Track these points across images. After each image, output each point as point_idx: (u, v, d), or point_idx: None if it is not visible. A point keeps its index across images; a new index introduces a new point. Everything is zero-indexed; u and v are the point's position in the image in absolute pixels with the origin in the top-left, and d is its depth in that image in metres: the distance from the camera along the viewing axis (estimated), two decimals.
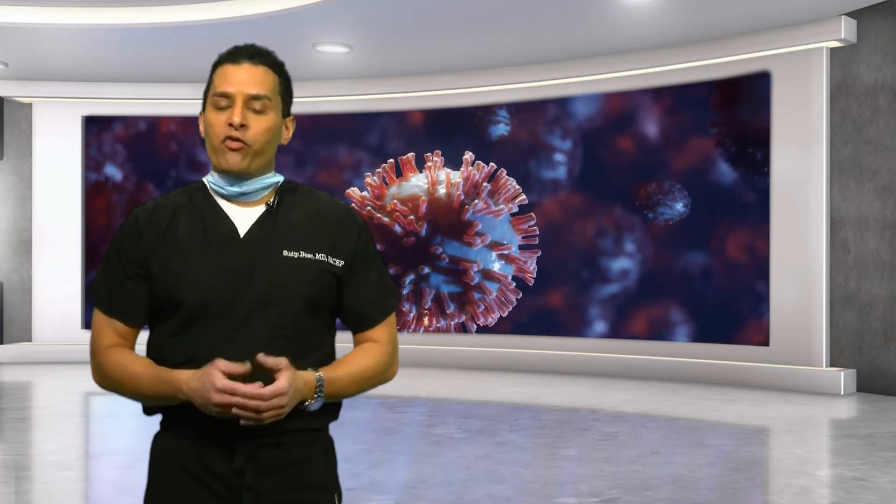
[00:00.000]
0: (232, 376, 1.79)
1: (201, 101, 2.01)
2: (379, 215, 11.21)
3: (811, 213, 9.02)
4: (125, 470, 5.83)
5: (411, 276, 11.09)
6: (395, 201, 11.06)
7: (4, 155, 12.21)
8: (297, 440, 1.94)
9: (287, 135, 2.02)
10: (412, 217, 10.75)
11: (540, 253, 10.82)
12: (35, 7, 9.24)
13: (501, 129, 11.08)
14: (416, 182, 11.13)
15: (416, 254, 11.11)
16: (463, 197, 10.73)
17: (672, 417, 7.67)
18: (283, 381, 1.80)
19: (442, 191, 10.92)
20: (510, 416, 7.89)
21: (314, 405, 1.89)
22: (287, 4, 8.69)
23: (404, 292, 11.15)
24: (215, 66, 1.98)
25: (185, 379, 1.83)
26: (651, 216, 10.14)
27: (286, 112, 2.01)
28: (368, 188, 11.37)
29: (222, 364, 1.79)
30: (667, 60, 9.92)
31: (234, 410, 1.78)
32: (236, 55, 1.96)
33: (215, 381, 1.77)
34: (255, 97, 1.93)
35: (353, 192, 11.50)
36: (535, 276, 10.81)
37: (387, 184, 11.29)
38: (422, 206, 10.96)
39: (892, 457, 6.05)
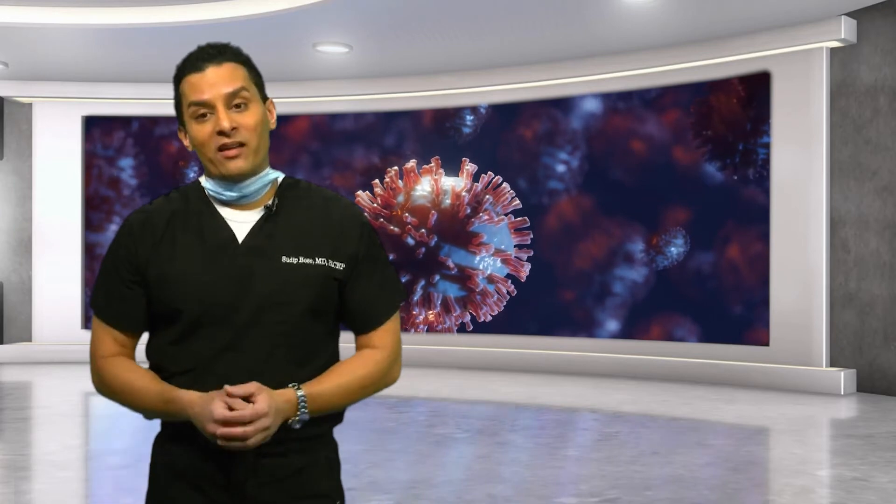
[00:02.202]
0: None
1: (176, 117, 1.95)
2: (392, 227, 11.27)
3: (811, 213, 9.02)
4: (125, 470, 5.83)
5: (422, 283, 11.20)
6: (406, 214, 11.13)
7: (4, 155, 12.21)
8: (299, 448, 1.91)
9: (272, 118, 1.97)
10: (423, 230, 10.87)
11: (532, 253, 10.83)
12: (35, 7, 9.24)
13: (501, 128, 11.08)
14: (422, 191, 11.19)
15: (426, 263, 11.22)
16: (469, 210, 10.85)
17: (672, 417, 7.67)
18: (261, 403, 1.76)
19: (447, 201, 11.02)
20: (510, 416, 7.89)
21: (297, 424, 1.85)
22: (287, 4, 8.69)
23: (415, 298, 11.25)
24: (178, 79, 1.91)
25: (190, 401, 1.80)
26: (653, 258, 10.15)
27: (264, 96, 1.95)
28: (378, 198, 11.40)
29: (228, 389, 1.76)
30: (667, 60, 9.92)
31: (220, 443, 1.75)
32: (197, 62, 1.89)
33: (214, 411, 1.74)
34: (233, 94, 1.87)
35: (362, 197, 11.50)
36: (528, 274, 10.83)
37: (393, 191, 11.34)
38: (431, 218, 11.05)
39: (892, 457, 6.05)
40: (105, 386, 1.93)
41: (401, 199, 11.29)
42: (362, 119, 11.64)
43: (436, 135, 11.38)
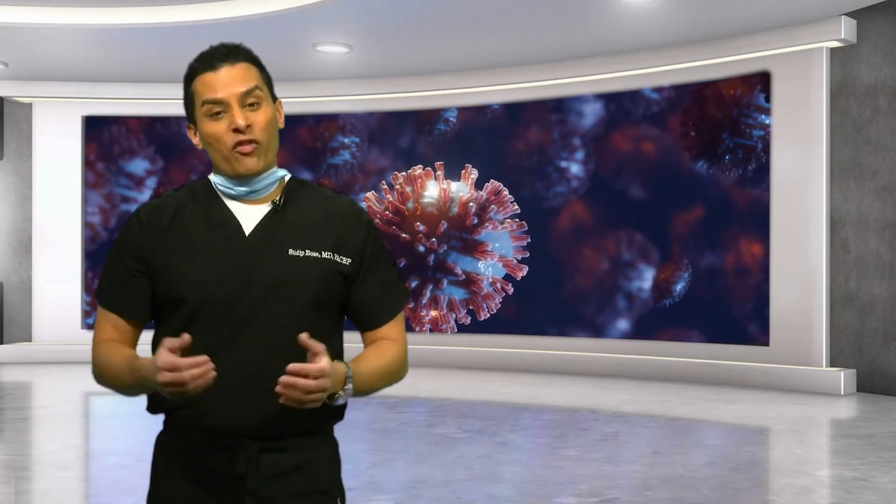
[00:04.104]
0: (180, 352, 1.74)
1: (185, 114, 1.98)
2: (404, 234, 11.30)
3: (811, 213, 9.02)
4: (125, 470, 5.83)
5: (430, 287, 11.25)
6: (418, 223, 11.19)
7: (4, 155, 12.21)
8: (301, 444, 1.93)
9: (280, 118, 2.00)
10: (434, 239, 10.96)
11: (532, 254, 10.84)
12: (35, 7, 9.23)
13: (501, 127, 11.08)
14: (430, 198, 11.22)
15: (435, 269, 11.28)
16: (476, 221, 10.93)
17: (672, 417, 7.67)
18: (324, 361, 1.75)
19: (455, 209, 11.08)
20: (510, 416, 7.89)
21: (342, 399, 1.85)
22: (287, 4, 8.69)
23: (423, 301, 11.28)
24: (191, 78, 1.94)
25: (145, 365, 1.79)
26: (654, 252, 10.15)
27: (273, 96, 1.99)
28: (389, 204, 11.43)
29: (167, 342, 1.73)
30: (667, 60, 9.91)
31: (281, 389, 1.73)
32: (211, 61, 1.92)
33: (158, 359, 1.72)
34: (247, 93, 1.91)
35: (371, 199, 11.50)
36: (528, 275, 10.84)
37: (402, 196, 11.37)
38: (440, 227, 11.11)
39: (892, 457, 6.05)
40: (94, 370, 1.95)
41: (410, 205, 11.33)
42: (363, 119, 11.64)
43: (435, 135, 11.38)
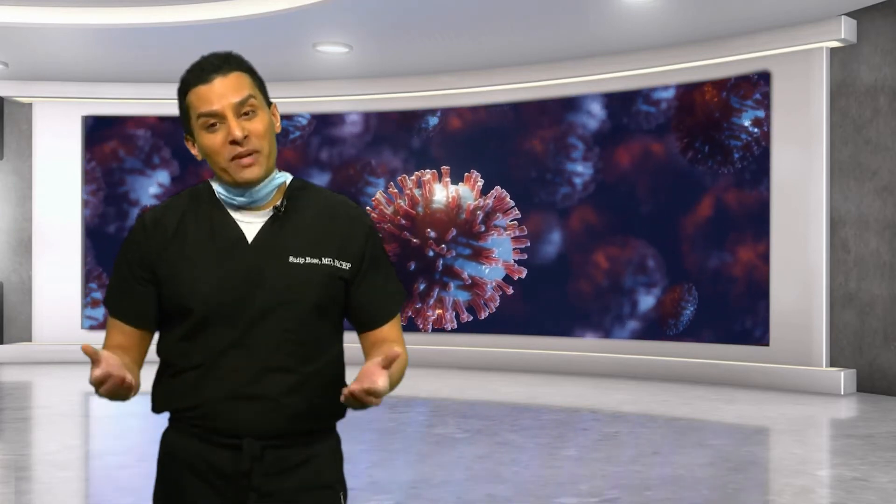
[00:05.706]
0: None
1: (182, 127, 1.99)
2: (415, 239, 11.32)
3: (811, 213, 9.02)
4: (125, 470, 5.83)
5: (437, 289, 11.28)
6: (428, 229, 11.21)
7: (4, 155, 12.21)
8: (304, 441, 1.96)
9: (277, 122, 2.00)
10: (443, 245, 11.00)
11: (532, 255, 10.85)
12: (35, 7, 9.24)
13: (502, 128, 11.08)
14: (439, 204, 11.22)
15: (443, 273, 11.30)
16: (483, 228, 10.96)
17: (672, 417, 7.67)
18: (385, 383, 1.79)
19: (462, 216, 11.11)
20: (510, 416, 7.89)
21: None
22: (287, 4, 8.69)
23: (430, 302, 11.30)
24: (184, 91, 1.94)
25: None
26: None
27: (268, 101, 1.99)
28: (399, 209, 11.43)
29: (86, 348, 1.74)
30: (667, 60, 9.92)
31: (353, 396, 1.78)
32: (203, 73, 1.92)
33: (92, 377, 1.76)
34: (241, 102, 1.91)
35: (381, 202, 11.50)
36: (528, 276, 10.85)
37: (411, 200, 11.39)
38: (449, 234, 11.14)
39: (892, 457, 6.05)
40: None
41: (420, 209, 11.35)
42: (363, 120, 11.64)
43: (432, 135, 11.38)
